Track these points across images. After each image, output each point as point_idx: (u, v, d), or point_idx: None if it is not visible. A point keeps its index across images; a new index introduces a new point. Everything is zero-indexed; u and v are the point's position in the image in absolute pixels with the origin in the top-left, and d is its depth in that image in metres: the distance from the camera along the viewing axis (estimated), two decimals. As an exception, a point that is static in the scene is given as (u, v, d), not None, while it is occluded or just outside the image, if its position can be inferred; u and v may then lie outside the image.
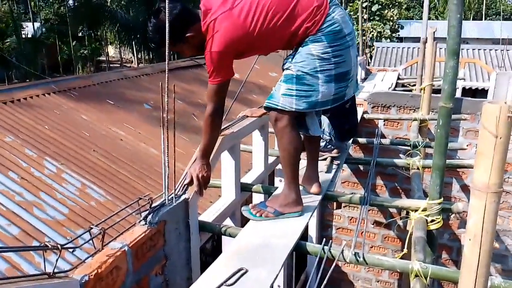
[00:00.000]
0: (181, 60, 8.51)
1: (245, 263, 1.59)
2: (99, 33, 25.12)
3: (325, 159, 2.76)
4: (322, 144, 2.76)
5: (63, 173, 3.90)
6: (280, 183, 2.91)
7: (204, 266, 1.81)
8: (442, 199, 2.11)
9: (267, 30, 1.81)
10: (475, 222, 1.07)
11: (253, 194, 2.77)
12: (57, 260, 1.25)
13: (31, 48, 19.26)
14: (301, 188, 2.12)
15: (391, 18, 22.78)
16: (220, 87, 1.85)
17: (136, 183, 4.22)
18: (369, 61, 15.75)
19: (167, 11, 1.59)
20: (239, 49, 1.84)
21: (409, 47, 15.36)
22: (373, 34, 22.07)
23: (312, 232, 4.04)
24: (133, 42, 19.61)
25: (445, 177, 2.18)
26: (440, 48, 9.66)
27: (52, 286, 1.20)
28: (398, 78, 9.88)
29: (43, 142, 4.21)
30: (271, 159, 2.97)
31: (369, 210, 2.33)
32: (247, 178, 2.70)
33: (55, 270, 1.24)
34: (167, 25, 1.58)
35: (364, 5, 20.82)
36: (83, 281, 1.24)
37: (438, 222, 2.10)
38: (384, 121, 4.32)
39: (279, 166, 3.05)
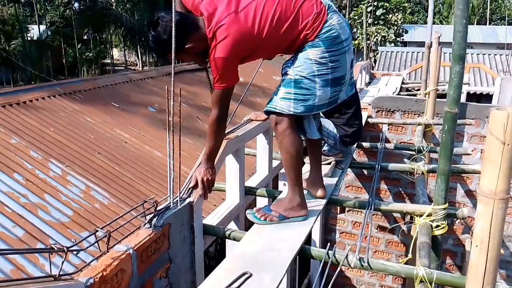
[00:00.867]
0: (185, 64, 8.53)
1: (249, 267, 1.59)
2: (104, 36, 25.29)
3: (329, 163, 2.75)
4: (327, 148, 2.76)
5: (67, 175, 3.91)
6: (284, 187, 2.90)
7: (207, 270, 1.81)
8: (447, 204, 2.10)
9: (271, 36, 1.84)
10: (482, 228, 1.07)
11: (257, 197, 2.77)
12: (63, 263, 1.26)
13: (36, 50, 19.43)
14: (305, 192, 2.12)
15: (396, 23, 22.79)
16: (226, 92, 1.86)
17: (140, 186, 4.23)
18: (373, 65, 15.73)
19: (173, 17, 1.60)
20: (243, 54, 1.86)
21: (413, 52, 15.33)
22: (377, 39, 22.11)
23: (316, 236, 4.03)
24: (138, 45, 19.72)
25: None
26: (445, 53, 9.65)
27: (57, 288, 1.20)
28: (403, 83, 9.88)
29: (48, 144, 4.23)
30: (275, 163, 2.97)
31: (373, 215, 2.32)
32: (252, 182, 2.70)
33: (61, 273, 1.25)
34: (173, 30, 1.59)
35: (368, 9, 20.90)
36: (88, 284, 1.25)
37: (443, 227, 2.09)
38: (388, 125, 4.32)
39: (283, 170, 3.05)
